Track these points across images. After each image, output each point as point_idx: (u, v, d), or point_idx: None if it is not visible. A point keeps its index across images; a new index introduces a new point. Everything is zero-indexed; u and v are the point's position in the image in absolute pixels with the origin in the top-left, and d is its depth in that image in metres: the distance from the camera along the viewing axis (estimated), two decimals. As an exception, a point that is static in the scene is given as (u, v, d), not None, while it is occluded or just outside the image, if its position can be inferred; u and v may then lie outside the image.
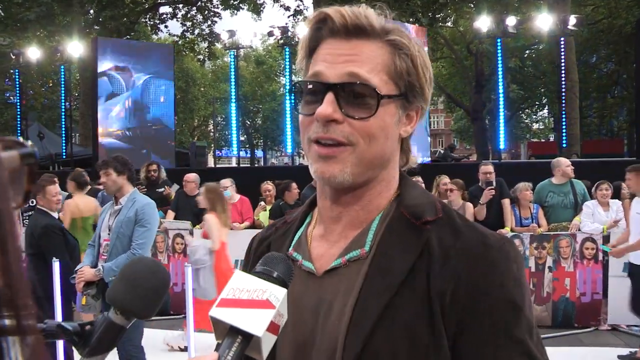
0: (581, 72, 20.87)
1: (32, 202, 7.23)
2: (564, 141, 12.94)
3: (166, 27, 24.72)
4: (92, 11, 21.76)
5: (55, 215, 4.91)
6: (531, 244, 6.61)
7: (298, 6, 22.85)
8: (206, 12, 24.33)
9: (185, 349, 5.74)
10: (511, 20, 13.53)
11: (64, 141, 16.66)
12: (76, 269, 4.35)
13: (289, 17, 22.67)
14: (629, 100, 24.60)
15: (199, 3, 24.08)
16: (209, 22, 24.42)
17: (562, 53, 12.99)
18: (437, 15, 20.17)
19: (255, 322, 0.80)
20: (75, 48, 15.85)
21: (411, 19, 16.54)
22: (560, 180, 6.95)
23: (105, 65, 13.90)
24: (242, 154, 30.89)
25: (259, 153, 46.71)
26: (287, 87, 16.84)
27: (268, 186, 7.76)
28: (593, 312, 6.43)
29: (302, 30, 15.13)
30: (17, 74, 17.42)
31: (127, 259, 4.12)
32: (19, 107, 17.56)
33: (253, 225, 7.46)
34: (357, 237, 0.97)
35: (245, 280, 0.85)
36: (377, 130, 0.92)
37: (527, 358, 0.86)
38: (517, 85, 27.33)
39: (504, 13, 16.34)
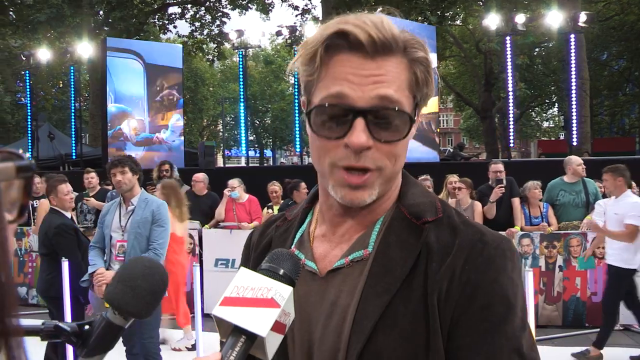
0: (592, 70, 20.74)
1: (36, 203, 7.30)
2: (575, 139, 12.83)
3: (175, 27, 24.85)
4: (101, 12, 21.88)
5: (69, 215, 4.92)
6: (541, 243, 6.56)
7: (306, 5, 22.93)
8: (215, 12, 24.39)
9: (193, 348, 5.75)
10: (520, 18, 13.43)
11: (73, 142, 16.76)
12: (90, 271, 4.34)
13: (296, 16, 22.69)
14: (640, 98, 24.37)
15: (208, 3, 24.15)
16: (218, 22, 24.48)
17: (573, 50, 12.87)
18: (446, 14, 20.08)
19: (259, 322, 0.78)
20: (84, 49, 15.95)
21: (420, 18, 16.48)
22: (572, 179, 6.89)
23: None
24: (251, 153, 30.96)
25: (267, 152, 46.79)
26: (296, 87, 16.82)
27: (275, 187, 7.74)
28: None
29: (310, 30, 15.11)
30: (27, 75, 17.54)
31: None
32: (29, 108, 17.69)
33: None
34: (360, 238, 0.97)
35: (250, 278, 0.83)
36: (402, 150, 0.93)
37: (517, 354, 0.87)
38: (526, 83, 27.14)
39: (513, 10, 16.24)
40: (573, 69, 12.79)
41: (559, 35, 16.01)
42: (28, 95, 17.82)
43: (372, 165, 0.90)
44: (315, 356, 0.94)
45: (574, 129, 12.77)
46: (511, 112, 13.01)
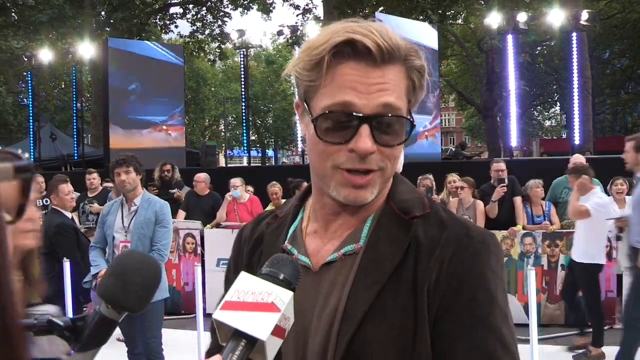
0: (594, 68, 20.69)
1: (47, 201, 7.30)
2: (577, 138, 12.79)
3: (176, 27, 24.83)
4: (103, 13, 21.90)
5: (69, 214, 4.92)
6: (544, 241, 6.55)
7: (307, 5, 22.85)
8: (216, 12, 24.39)
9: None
10: (522, 17, 13.41)
11: (75, 142, 16.78)
12: (93, 272, 4.32)
13: (298, 15, 22.67)
14: (642, 96, 24.32)
15: (209, 3, 24.15)
16: (219, 22, 24.48)
17: (575, 49, 12.84)
18: (447, 13, 20.05)
19: (259, 326, 0.79)
20: (86, 50, 15.96)
21: (421, 17, 16.47)
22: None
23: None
24: (252, 153, 30.95)
25: (269, 152, 46.79)
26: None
27: (275, 189, 7.72)
28: (607, 311, 6.34)
29: (312, 30, 15.10)
30: (29, 76, 17.56)
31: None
32: (31, 108, 17.71)
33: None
34: (352, 233, 1.02)
35: (250, 283, 0.83)
36: (399, 152, 0.98)
37: (500, 343, 0.92)
38: (527, 81, 27.09)
39: (514, 9, 16.22)
40: (575, 67, 12.77)
41: (560, 34, 15.98)
42: (30, 96, 17.85)
43: (375, 166, 0.95)
44: (309, 345, 0.99)
45: (576, 127, 12.75)
46: (513, 110, 12.99)
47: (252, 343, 0.79)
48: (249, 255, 1.13)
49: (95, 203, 7.66)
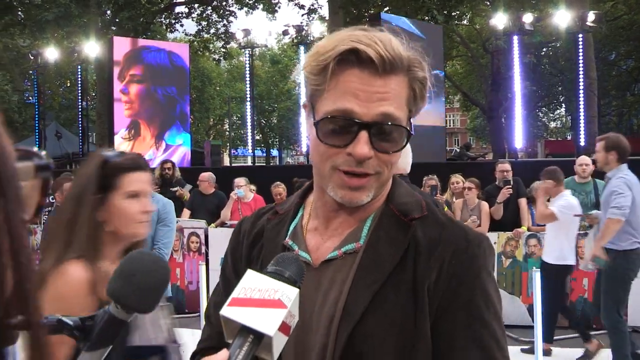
0: (600, 70, 20.60)
1: (52, 198, 7.34)
2: (582, 140, 12.75)
3: (182, 26, 24.86)
4: (109, 12, 21.94)
5: None
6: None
7: (312, 5, 22.82)
8: (221, 11, 24.40)
9: None
10: (528, 18, 13.37)
11: (80, 140, 16.83)
12: None
13: (302, 15, 22.65)
14: (648, 98, 24.23)
15: (214, 2, 24.16)
16: (225, 22, 24.49)
17: (581, 50, 12.80)
18: (452, 13, 20.00)
19: (267, 322, 0.79)
20: (92, 48, 16.00)
21: (426, 17, 16.44)
22: (582, 179, 6.85)
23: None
24: (257, 153, 30.98)
25: (274, 152, 46.81)
26: (303, 87, 16.83)
27: (279, 189, 7.72)
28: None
29: (317, 30, 15.11)
30: (35, 74, 17.62)
31: None
32: (37, 107, 17.77)
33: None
34: (352, 232, 1.06)
35: (257, 280, 0.84)
36: (397, 158, 1.03)
37: (495, 341, 0.99)
38: (532, 82, 27.02)
39: (520, 10, 16.17)
40: (581, 68, 12.73)
41: (566, 35, 15.93)
42: (35, 94, 17.91)
43: (371, 171, 0.99)
44: (309, 341, 1.01)
45: (582, 129, 12.71)
46: (518, 112, 12.96)
47: (259, 339, 0.80)
48: (249, 249, 1.15)
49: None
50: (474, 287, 1.00)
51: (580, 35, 12.77)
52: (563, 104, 33.27)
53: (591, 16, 12.86)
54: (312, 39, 14.95)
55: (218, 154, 15.96)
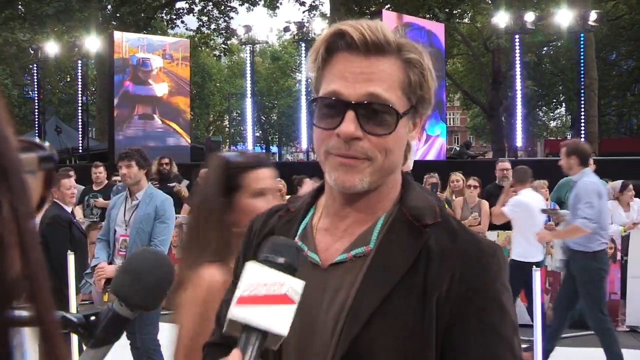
0: (600, 70, 20.61)
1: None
2: (582, 139, 12.76)
3: (183, 22, 24.83)
4: (109, 7, 21.91)
5: (69, 208, 4.90)
6: (547, 242, 6.52)
7: (314, 1, 22.78)
8: (222, 7, 24.37)
9: None
10: (530, 16, 13.36)
11: (80, 135, 16.82)
12: (92, 264, 4.32)
13: (304, 12, 22.62)
14: (649, 98, 24.23)
15: (216, -2, 24.14)
16: (225, 18, 24.46)
17: (582, 49, 12.80)
18: (454, 11, 20.00)
19: (279, 321, 0.79)
20: (92, 43, 15.98)
21: (428, 15, 16.43)
22: (582, 178, 6.85)
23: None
24: (257, 149, 30.98)
25: (274, 149, 46.81)
26: (303, 83, 16.84)
27: (279, 185, 7.74)
28: (611, 313, 6.31)
29: (318, 27, 15.08)
30: (35, 68, 17.60)
31: None
32: (37, 101, 17.75)
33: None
34: (362, 235, 1.03)
35: (261, 274, 0.82)
36: (393, 145, 0.99)
37: (511, 353, 0.96)
38: (534, 81, 27.04)
39: (522, 9, 16.15)
40: (582, 68, 12.72)
41: (568, 34, 15.92)
42: (36, 89, 17.89)
43: (361, 154, 0.96)
44: (313, 342, 1.00)
45: (582, 128, 12.71)
46: (518, 110, 12.96)
47: (266, 333, 0.79)
48: (258, 248, 1.12)
49: (100, 197, 7.68)
50: (488, 298, 0.97)
51: (582, 35, 12.76)
52: (563, 103, 33.25)
53: (593, 15, 12.85)
54: (313, 35, 14.93)
55: (218, 150, 15.95)
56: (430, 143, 13.18)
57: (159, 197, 4.33)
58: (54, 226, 4.70)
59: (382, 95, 0.96)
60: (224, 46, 26.00)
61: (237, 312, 0.80)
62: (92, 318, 0.87)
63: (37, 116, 17.57)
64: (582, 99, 12.89)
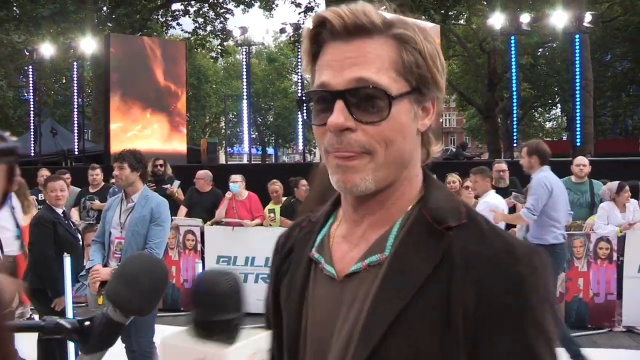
0: (595, 71, 20.67)
1: (42, 196, 7.33)
2: (578, 140, 12.79)
3: (179, 24, 24.83)
4: (105, 8, 21.87)
5: (59, 210, 4.86)
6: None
7: (309, 3, 22.79)
8: (218, 8, 24.37)
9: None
10: (525, 18, 13.40)
11: (76, 137, 16.77)
12: (87, 267, 4.30)
13: (299, 13, 22.63)
14: (644, 99, 24.32)
15: (211, 0, 24.13)
16: (221, 19, 24.46)
17: (577, 51, 12.84)
18: (450, 13, 20.02)
19: None
20: (88, 45, 15.94)
21: (423, 17, 16.44)
22: (578, 179, 6.88)
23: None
24: (253, 151, 30.96)
25: (270, 150, 46.78)
26: (300, 85, 16.83)
27: (275, 187, 7.71)
28: (607, 313, 6.34)
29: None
30: (30, 70, 17.54)
31: None
32: (32, 103, 17.69)
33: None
34: (378, 241, 0.92)
35: (179, 353, 0.77)
36: (393, 133, 0.88)
37: None
38: (529, 83, 27.12)
39: (517, 10, 16.20)
40: (577, 69, 12.76)
41: (563, 36, 15.98)
42: (31, 91, 17.82)
43: (357, 148, 0.87)
44: (328, 358, 0.91)
45: (578, 129, 12.74)
46: (515, 112, 12.98)
47: None
48: (281, 263, 1.05)
49: (96, 199, 7.66)
50: (522, 314, 0.82)
51: (577, 36, 12.80)
52: (559, 105, 33.36)
53: (588, 17, 12.89)
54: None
55: (214, 152, 15.94)
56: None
57: (155, 199, 4.31)
58: (37, 227, 4.70)
59: (371, 78, 0.86)
60: (220, 48, 26.00)
61: None
62: (87, 323, 0.86)
63: (32, 118, 17.51)
64: (578, 100, 12.92)
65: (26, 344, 5.09)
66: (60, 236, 4.72)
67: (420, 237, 0.89)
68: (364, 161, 0.87)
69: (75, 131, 16.91)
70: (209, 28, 24.76)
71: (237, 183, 7.34)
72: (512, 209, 6.73)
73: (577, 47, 12.77)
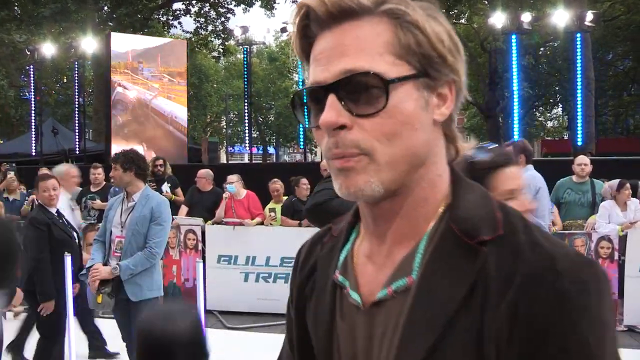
0: (597, 70, 20.64)
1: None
2: (579, 139, 12.79)
3: (180, 23, 24.85)
4: (106, 8, 21.89)
5: (53, 210, 4.80)
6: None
7: (311, 2, 22.80)
8: (219, 8, 24.38)
9: None
10: (526, 17, 13.40)
11: (77, 137, 16.78)
12: (88, 266, 4.32)
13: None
14: (645, 98, 24.32)
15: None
16: (222, 19, 24.47)
17: (579, 49, 12.82)
18: (451, 12, 20.03)
19: None
20: (89, 44, 15.95)
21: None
22: (580, 179, 6.89)
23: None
24: (254, 150, 30.95)
25: (271, 150, 46.78)
26: (300, 84, 16.83)
27: (276, 185, 7.72)
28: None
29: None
30: (32, 70, 17.56)
31: (144, 258, 4.13)
32: (33, 102, 17.71)
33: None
34: (404, 261, 0.80)
35: None
36: (396, 126, 0.75)
37: None
38: (531, 82, 27.11)
39: (519, 9, 16.18)
40: (579, 68, 12.75)
41: (564, 35, 15.96)
42: (32, 90, 17.85)
43: (353, 149, 0.75)
44: None
45: (579, 128, 12.73)
46: (515, 111, 12.98)
47: None
48: (304, 283, 0.94)
49: (97, 199, 7.67)
50: (569, 343, 0.68)
51: (579, 35, 12.79)
52: (560, 104, 33.33)
53: (589, 16, 12.88)
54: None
55: (215, 151, 15.95)
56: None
57: (156, 199, 4.34)
58: (29, 229, 4.65)
59: (363, 67, 0.74)
60: (221, 47, 26.01)
61: None
62: None
63: (33, 117, 17.54)
64: (579, 99, 12.91)
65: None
66: (56, 237, 4.66)
67: (450, 255, 0.76)
68: (362, 163, 0.75)
69: (77, 131, 16.93)
70: (210, 28, 24.78)
71: (233, 184, 7.34)
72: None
73: (579, 46, 12.76)
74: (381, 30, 0.76)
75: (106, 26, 20.83)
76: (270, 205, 7.73)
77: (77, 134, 16.88)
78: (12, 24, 21.07)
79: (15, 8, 21.58)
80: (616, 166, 9.12)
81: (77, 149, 16.30)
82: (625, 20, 23.54)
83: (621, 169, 8.36)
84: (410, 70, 0.76)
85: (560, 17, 13.34)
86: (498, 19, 13.61)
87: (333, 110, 0.75)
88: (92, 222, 7.42)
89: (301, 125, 15.27)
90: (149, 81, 14.41)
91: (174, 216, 7.08)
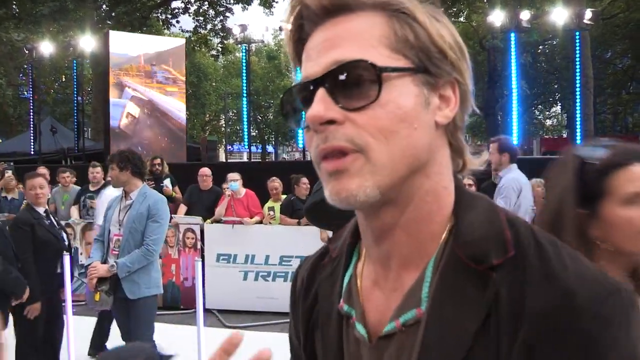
0: (595, 68, 20.65)
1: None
2: (578, 137, 12.79)
3: (178, 22, 24.81)
4: (104, 6, 21.86)
5: (41, 209, 4.70)
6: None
7: None
8: (218, 6, 24.35)
9: None
10: (525, 15, 13.39)
11: (76, 135, 16.76)
12: (86, 264, 4.33)
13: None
14: (644, 97, 24.33)
15: (211, -2, 24.13)
16: (221, 17, 24.45)
17: (577, 48, 12.82)
18: (449, 10, 20.01)
19: None
20: (87, 43, 15.93)
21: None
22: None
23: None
24: (253, 149, 30.96)
25: (270, 148, 46.77)
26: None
27: (275, 184, 7.72)
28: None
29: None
30: (30, 68, 17.53)
31: (141, 255, 4.13)
32: (32, 101, 17.69)
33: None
34: (412, 289, 0.72)
35: None
36: (393, 122, 0.68)
37: None
38: (529, 80, 27.11)
39: (517, 7, 16.18)
40: (578, 66, 12.75)
41: (563, 33, 15.96)
42: (30, 89, 17.82)
43: (344, 142, 0.68)
44: None
45: (578, 127, 12.73)
46: (514, 109, 12.98)
47: None
48: (308, 314, 0.86)
49: (96, 198, 7.66)
50: None
51: (577, 33, 12.78)
52: (559, 102, 33.35)
53: (588, 14, 12.88)
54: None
55: (214, 150, 15.94)
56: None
57: (153, 196, 4.35)
58: (13, 228, 4.59)
59: (354, 56, 0.69)
60: (220, 46, 25.98)
61: None
62: None
63: (32, 116, 17.51)
64: (578, 97, 12.91)
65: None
66: (40, 238, 4.57)
67: (458, 283, 0.68)
68: (358, 162, 0.68)
69: (75, 129, 16.92)
70: (209, 26, 24.75)
71: (236, 181, 7.35)
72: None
73: (577, 45, 12.76)
74: (376, 22, 0.71)
75: (105, 25, 20.79)
76: (269, 204, 7.72)
77: (75, 132, 16.85)
78: (11, 22, 21.04)
79: (14, 6, 21.54)
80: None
81: (76, 148, 16.27)
82: (624, 18, 23.54)
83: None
84: (408, 64, 0.70)
85: (559, 15, 13.33)
86: (497, 17, 13.60)
87: (322, 103, 0.68)
88: (91, 221, 7.42)
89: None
90: (163, 85, 14.44)
91: (172, 215, 7.09)
